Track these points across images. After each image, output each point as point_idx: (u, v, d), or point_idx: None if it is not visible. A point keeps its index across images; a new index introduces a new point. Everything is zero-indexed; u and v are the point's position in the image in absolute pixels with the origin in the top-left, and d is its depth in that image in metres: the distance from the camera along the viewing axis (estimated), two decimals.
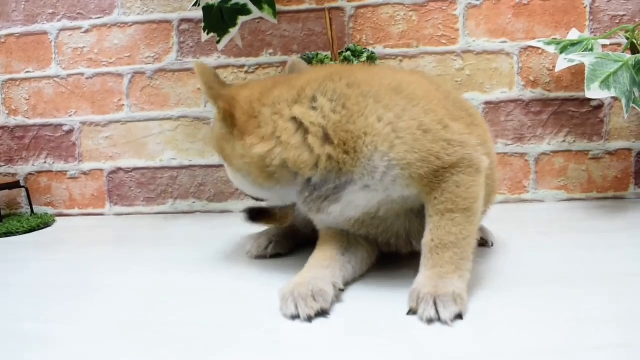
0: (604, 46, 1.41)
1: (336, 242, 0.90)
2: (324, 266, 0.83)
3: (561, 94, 1.51)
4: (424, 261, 0.77)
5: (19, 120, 1.70)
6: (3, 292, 0.94)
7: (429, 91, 0.82)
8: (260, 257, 1.07)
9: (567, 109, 1.52)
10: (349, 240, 0.91)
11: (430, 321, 0.69)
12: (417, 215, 0.86)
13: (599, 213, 1.37)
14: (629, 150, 1.53)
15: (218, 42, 1.42)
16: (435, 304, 0.70)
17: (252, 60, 1.58)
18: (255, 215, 1.26)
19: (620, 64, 1.23)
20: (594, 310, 0.72)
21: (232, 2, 1.37)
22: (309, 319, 0.72)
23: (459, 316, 0.70)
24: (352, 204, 0.82)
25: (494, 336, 0.65)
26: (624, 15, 1.49)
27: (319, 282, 0.77)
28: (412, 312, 0.72)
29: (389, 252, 0.96)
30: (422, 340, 0.66)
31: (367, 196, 0.81)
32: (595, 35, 1.48)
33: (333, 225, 0.91)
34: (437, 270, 0.75)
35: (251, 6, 1.38)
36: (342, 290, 0.81)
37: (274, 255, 1.07)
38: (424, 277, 0.75)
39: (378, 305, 0.77)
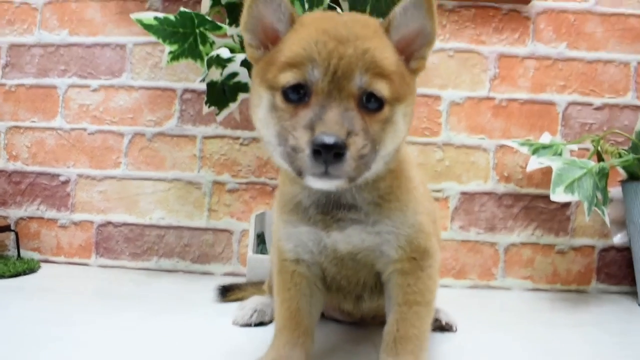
0: (572, 151, 1.53)
1: (302, 291, 0.92)
2: (298, 343, 0.88)
3: (532, 191, 1.63)
4: (386, 349, 0.84)
5: (18, 166, 1.77)
6: None
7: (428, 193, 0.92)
8: (246, 325, 1.13)
9: (537, 205, 1.63)
10: (309, 287, 0.93)
11: None
12: (375, 281, 0.93)
13: (561, 306, 1.45)
14: (593, 247, 1.63)
15: (217, 114, 1.52)
16: None
17: (247, 134, 1.69)
18: (225, 291, 1.34)
19: (585, 170, 1.35)
20: None
21: (235, 80, 1.48)
22: None
23: None
24: (348, 237, 0.85)
25: None
26: (592, 123, 1.63)
27: None
28: None
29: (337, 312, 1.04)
30: None
31: (364, 237, 0.85)
32: (566, 139, 1.62)
33: (316, 255, 0.91)
34: (400, 359, 0.82)
35: None
36: None
37: (258, 324, 1.14)
38: None
39: None
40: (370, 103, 0.74)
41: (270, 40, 0.80)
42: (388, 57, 0.76)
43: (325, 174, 0.69)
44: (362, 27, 0.76)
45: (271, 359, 0.84)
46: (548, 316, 1.35)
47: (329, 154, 0.67)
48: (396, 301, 0.86)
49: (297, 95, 0.74)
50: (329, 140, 0.67)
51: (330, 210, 0.84)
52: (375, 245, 0.85)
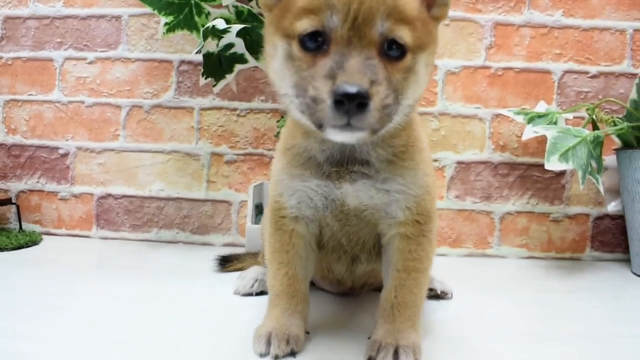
0: (567, 120, 1.53)
1: (299, 254, 0.91)
2: (297, 310, 0.89)
3: (527, 159, 1.64)
4: (383, 314, 0.86)
5: (17, 139, 1.78)
6: None
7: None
8: (247, 294, 1.16)
9: (532, 174, 1.64)
10: (305, 248, 0.92)
11: None
12: (374, 242, 0.94)
13: (555, 273, 1.48)
14: (587, 215, 1.65)
15: (214, 85, 1.52)
16: (396, 352, 0.79)
17: (244, 105, 1.69)
18: (224, 262, 1.37)
19: (579, 139, 1.36)
20: None
21: (231, 51, 1.48)
22: (276, 358, 0.81)
23: None
24: (358, 192, 0.85)
25: None
26: (588, 91, 1.63)
27: (293, 328, 0.85)
28: (370, 359, 0.81)
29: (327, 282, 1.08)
30: None
31: (372, 194, 0.85)
32: (561, 108, 1.62)
33: (320, 210, 0.89)
34: (397, 325, 0.84)
35: (248, 56, 1.49)
36: (308, 333, 0.90)
37: (259, 293, 1.16)
38: (384, 330, 0.84)
39: (338, 352, 0.86)
40: (392, 50, 0.72)
41: None
42: (410, 1, 0.73)
43: (348, 126, 0.68)
44: None
45: (271, 328, 0.85)
46: (542, 283, 1.37)
47: (351, 105, 0.65)
48: (395, 267, 0.87)
49: (315, 43, 0.71)
50: (352, 89, 0.64)
51: (345, 163, 0.84)
52: (382, 204, 0.85)
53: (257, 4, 1.45)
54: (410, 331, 0.84)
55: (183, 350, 0.84)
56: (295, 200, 0.89)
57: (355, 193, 0.85)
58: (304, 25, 0.71)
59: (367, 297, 1.15)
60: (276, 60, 0.76)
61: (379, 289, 1.15)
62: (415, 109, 0.86)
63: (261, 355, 0.81)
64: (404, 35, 0.71)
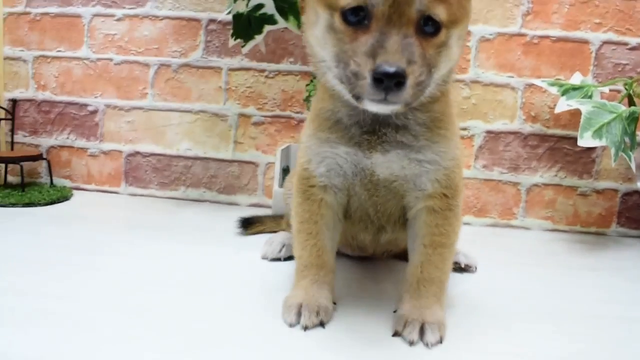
0: (602, 93, 1.50)
1: (327, 225, 0.94)
2: (325, 282, 0.92)
3: (558, 132, 1.61)
4: (409, 289, 0.88)
5: (47, 95, 1.79)
6: (20, 264, 1.06)
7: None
8: (275, 259, 1.18)
9: (562, 146, 1.62)
10: (333, 219, 0.95)
11: (412, 343, 0.80)
12: (400, 214, 0.96)
13: (579, 248, 1.48)
14: (616, 190, 1.63)
15: (243, 46, 1.51)
16: (422, 328, 0.81)
17: (273, 66, 1.68)
18: (246, 224, 1.39)
19: (615, 115, 1.33)
20: (554, 348, 0.83)
21: (261, 11, 1.46)
22: (305, 328, 0.83)
23: (440, 341, 0.81)
24: (390, 162, 0.87)
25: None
26: (626, 64, 1.59)
27: (322, 300, 0.88)
28: (397, 334, 0.83)
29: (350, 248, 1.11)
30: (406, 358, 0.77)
31: (405, 164, 0.86)
32: (597, 80, 1.58)
33: (349, 178, 0.91)
34: (423, 300, 0.86)
35: (277, 17, 1.47)
36: (335, 304, 0.92)
37: (287, 258, 1.18)
38: (410, 306, 0.86)
39: (364, 324, 0.88)
40: (428, 27, 0.75)
41: None
42: None
43: (384, 100, 0.72)
44: None
45: (301, 299, 0.87)
46: (565, 258, 1.37)
47: (390, 83, 0.70)
48: (422, 241, 0.89)
49: (356, 17, 0.74)
50: (391, 69, 0.69)
51: (378, 129, 0.85)
52: (413, 175, 0.87)
53: None
54: (435, 307, 0.85)
55: (211, 314, 0.87)
56: (325, 168, 0.90)
57: (387, 163, 0.86)
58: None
59: (391, 266, 1.17)
60: (318, 28, 0.80)
61: (398, 256, 1.17)
62: (452, 79, 0.88)
63: (291, 325, 0.84)
64: (440, 12, 0.74)
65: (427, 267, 0.88)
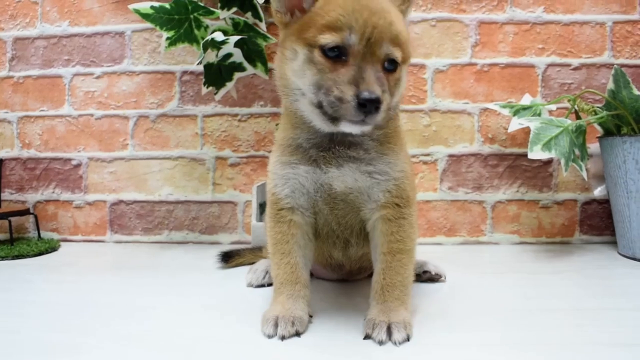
0: (551, 111, 1.62)
1: (298, 243, 1.02)
2: (300, 296, 0.99)
3: (515, 150, 1.73)
4: (375, 296, 0.96)
5: (32, 153, 1.88)
6: (18, 309, 1.11)
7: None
8: (260, 286, 1.26)
9: (521, 163, 1.73)
10: (303, 237, 1.03)
11: (381, 343, 0.88)
12: (360, 226, 1.05)
13: (546, 256, 1.56)
14: (575, 200, 1.73)
15: (216, 93, 1.62)
16: (389, 329, 0.89)
17: (245, 110, 1.79)
18: (226, 258, 1.46)
19: (561, 129, 1.44)
20: (515, 337, 0.91)
21: (230, 60, 1.57)
22: (282, 338, 0.90)
23: (407, 339, 0.89)
24: (344, 176, 0.97)
25: (434, 355, 0.84)
26: (571, 83, 1.72)
27: (298, 312, 0.95)
28: (367, 337, 0.90)
29: (326, 271, 1.20)
30: (376, 357, 0.84)
31: (357, 177, 0.97)
32: (546, 100, 1.70)
33: (312, 195, 1.00)
34: (388, 304, 0.94)
35: (246, 64, 1.59)
36: (311, 317, 0.99)
37: (271, 284, 1.24)
38: (377, 310, 0.93)
39: (338, 332, 0.95)
40: (390, 65, 0.92)
41: (295, 7, 0.95)
42: (403, 29, 0.94)
43: (362, 122, 0.87)
44: (386, 1, 0.93)
45: (278, 312, 0.94)
46: (533, 265, 1.46)
47: (371, 107, 0.84)
48: (381, 250, 0.98)
49: (334, 53, 0.88)
50: (373, 96, 0.84)
51: (332, 147, 0.97)
52: (365, 187, 0.97)
53: (252, 15, 1.54)
54: (400, 309, 0.93)
55: (199, 336, 0.93)
56: (289, 189, 1.01)
57: (342, 177, 0.97)
58: (327, 39, 0.88)
59: (363, 284, 1.25)
60: (296, 63, 0.93)
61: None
62: (399, 104, 1.03)
63: (269, 337, 0.91)
64: (397, 54, 0.92)
65: (389, 273, 0.96)
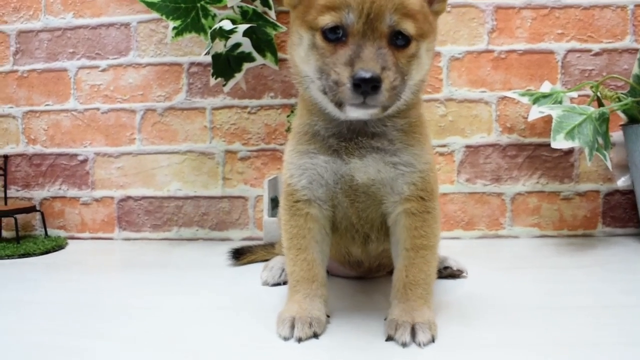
0: (572, 98, 1.56)
1: (314, 238, 0.97)
2: (317, 295, 0.94)
3: (535, 140, 1.67)
4: (396, 294, 0.91)
5: (37, 149, 1.84)
6: (22, 309, 1.07)
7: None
8: (276, 284, 1.20)
9: (541, 154, 1.67)
10: (320, 232, 0.98)
11: (405, 345, 0.82)
12: (381, 220, 0.99)
13: (568, 250, 1.51)
14: (597, 192, 1.67)
15: (224, 85, 1.57)
16: (413, 329, 0.84)
17: (254, 102, 1.73)
18: (238, 255, 1.41)
19: (585, 116, 1.38)
20: (543, 337, 0.85)
21: (238, 50, 1.52)
22: (299, 340, 0.85)
23: (432, 340, 0.84)
24: (366, 167, 0.91)
25: (459, 357, 0.79)
26: (592, 69, 1.65)
27: (315, 312, 0.90)
28: (390, 338, 0.85)
29: (343, 267, 1.14)
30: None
31: (380, 167, 0.91)
32: (566, 87, 1.64)
33: (331, 186, 0.95)
34: (411, 303, 0.89)
35: (255, 54, 1.54)
36: (328, 317, 0.94)
37: (287, 282, 1.20)
38: (400, 310, 0.88)
39: (358, 333, 0.90)
40: (399, 40, 0.84)
41: None
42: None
43: (363, 104, 0.81)
44: None
45: (294, 312, 0.89)
46: (555, 260, 1.40)
47: (367, 87, 0.78)
48: (404, 246, 0.92)
49: (335, 35, 0.84)
50: (367, 75, 0.77)
51: (354, 137, 0.91)
52: (389, 178, 0.92)
53: (261, 3, 1.49)
54: (424, 308, 0.88)
55: (211, 338, 0.89)
56: (306, 180, 0.95)
57: (364, 168, 0.91)
58: (326, 20, 0.84)
59: (382, 281, 1.20)
60: (302, 48, 0.88)
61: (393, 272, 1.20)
62: (422, 90, 0.96)
63: (285, 339, 0.86)
64: (408, 27, 0.84)
65: (412, 270, 0.91)
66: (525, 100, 1.54)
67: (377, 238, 1.02)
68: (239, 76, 1.57)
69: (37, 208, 1.82)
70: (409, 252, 0.92)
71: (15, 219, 1.66)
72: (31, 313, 1.04)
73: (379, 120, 0.91)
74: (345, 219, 0.99)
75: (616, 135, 1.59)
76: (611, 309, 0.99)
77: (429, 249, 0.92)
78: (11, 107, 1.84)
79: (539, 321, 0.94)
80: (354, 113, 0.84)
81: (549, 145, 1.59)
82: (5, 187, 1.82)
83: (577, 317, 0.95)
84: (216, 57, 1.52)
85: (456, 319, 0.95)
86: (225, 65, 1.55)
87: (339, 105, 0.83)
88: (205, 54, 1.45)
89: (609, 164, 1.40)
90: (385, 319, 0.90)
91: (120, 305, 1.08)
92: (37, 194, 1.85)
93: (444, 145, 1.68)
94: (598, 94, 1.51)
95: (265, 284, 1.21)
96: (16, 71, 1.83)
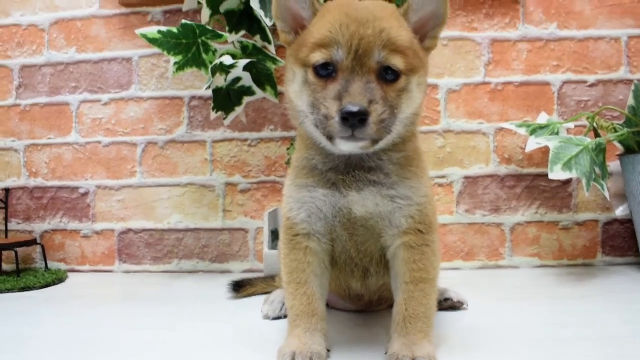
0: (569, 129, 1.57)
1: (314, 272, 0.97)
2: (317, 329, 0.93)
3: (533, 170, 1.68)
4: (397, 328, 0.90)
5: (38, 181, 1.85)
6: (22, 344, 1.06)
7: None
8: (276, 318, 1.20)
9: (539, 184, 1.68)
10: (319, 266, 0.98)
11: None
12: (380, 254, 0.99)
13: (568, 279, 1.51)
14: (596, 221, 1.68)
15: (224, 118, 1.59)
16: None
17: (254, 135, 1.75)
18: (237, 287, 1.41)
19: (581, 147, 1.39)
20: None
21: (239, 84, 1.55)
22: None
23: None
24: (364, 200, 0.92)
25: None
26: (588, 100, 1.68)
27: (315, 346, 0.90)
28: None
29: (342, 301, 1.13)
30: None
31: (378, 201, 0.92)
32: (562, 118, 1.66)
33: (329, 219, 0.95)
34: (411, 337, 0.88)
35: (255, 88, 1.56)
36: (328, 351, 0.94)
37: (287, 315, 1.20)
38: (400, 344, 0.88)
39: None
40: (388, 74, 0.86)
41: (298, 25, 0.93)
42: (402, 35, 0.88)
43: (352, 137, 0.82)
44: (380, 9, 0.88)
45: (295, 347, 0.89)
46: (556, 290, 1.40)
47: (354, 120, 0.80)
48: (403, 279, 0.92)
49: (325, 71, 0.86)
50: (354, 108, 0.80)
51: (351, 170, 0.92)
52: (386, 211, 0.92)
53: (261, 37, 1.52)
54: (424, 342, 0.88)
55: None
56: (305, 213, 0.96)
57: (362, 201, 0.92)
58: (317, 57, 0.87)
59: (383, 314, 1.19)
60: (296, 83, 0.92)
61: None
62: (416, 123, 0.97)
63: None
64: (397, 62, 0.86)
65: (411, 303, 0.91)
66: (522, 131, 1.55)
67: (377, 272, 1.02)
68: (239, 109, 1.59)
69: (38, 241, 1.83)
70: (408, 285, 0.92)
71: (16, 252, 1.66)
72: (32, 348, 1.03)
73: (375, 154, 0.92)
74: (344, 252, 0.99)
75: (613, 164, 1.61)
76: (613, 340, 0.98)
77: (428, 282, 0.92)
78: (13, 141, 1.86)
79: (541, 353, 0.93)
80: (344, 146, 0.86)
81: (546, 175, 1.61)
82: (6, 219, 1.82)
83: (579, 348, 0.95)
84: (217, 91, 1.54)
85: (457, 352, 0.94)
86: (226, 98, 1.57)
87: (330, 138, 0.85)
88: (206, 88, 1.47)
89: (606, 194, 1.41)
90: (385, 353, 0.90)
91: (120, 339, 1.08)
92: (38, 227, 1.86)
93: (442, 176, 1.69)
94: (594, 124, 1.53)
95: (266, 317, 1.20)
96: (18, 105, 1.85)
